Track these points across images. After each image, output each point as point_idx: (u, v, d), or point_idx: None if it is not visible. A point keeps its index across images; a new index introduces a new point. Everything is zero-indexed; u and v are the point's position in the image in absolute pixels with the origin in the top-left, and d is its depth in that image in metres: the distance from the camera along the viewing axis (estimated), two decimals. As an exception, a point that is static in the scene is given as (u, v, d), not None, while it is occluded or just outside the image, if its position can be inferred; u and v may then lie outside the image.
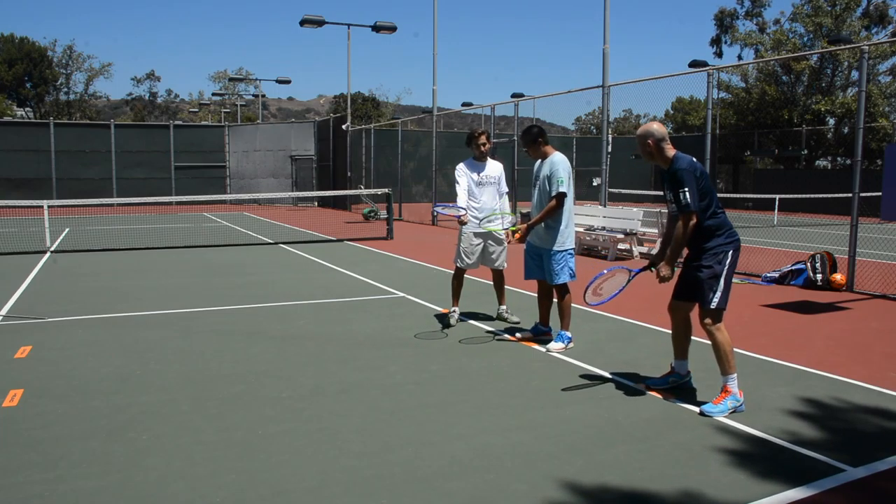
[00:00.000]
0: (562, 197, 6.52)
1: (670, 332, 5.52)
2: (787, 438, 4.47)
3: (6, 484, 3.81)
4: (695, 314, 5.26)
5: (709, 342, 6.39)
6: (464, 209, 7.44)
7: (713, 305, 5.02)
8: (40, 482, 3.83)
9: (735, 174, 41.53)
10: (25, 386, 5.50)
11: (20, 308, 8.61)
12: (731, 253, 5.06)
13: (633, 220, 14.09)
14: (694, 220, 4.95)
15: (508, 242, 7.72)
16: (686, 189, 4.91)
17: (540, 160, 6.81)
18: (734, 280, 11.14)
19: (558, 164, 6.59)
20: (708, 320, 5.06)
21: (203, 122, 61.27)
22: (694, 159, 5.11)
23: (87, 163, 34.45)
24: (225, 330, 7.54)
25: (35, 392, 5.37)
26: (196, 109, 77.05)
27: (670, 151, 5.17)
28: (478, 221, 7.58)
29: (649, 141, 5.17)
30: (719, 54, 43.94)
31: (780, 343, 6.99)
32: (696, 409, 4.99)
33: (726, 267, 5.04)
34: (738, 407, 4.97)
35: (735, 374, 5.03)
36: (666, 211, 5.54)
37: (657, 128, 5.20)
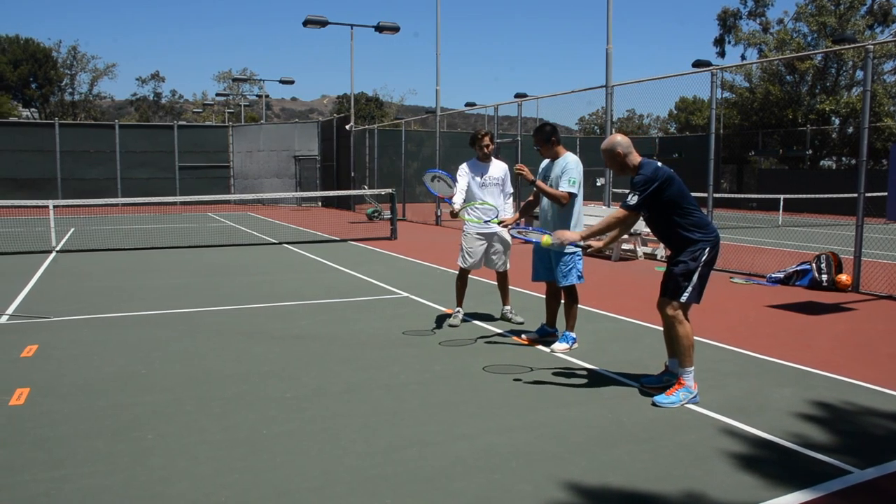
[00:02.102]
0: (573, 197, 6.47)
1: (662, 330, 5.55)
2: (793, 440, 4.46)
3: (13, 482, 3.82)
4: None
5: (705, 340, 6.40)
6: (456, 207, 7.36)
7: (682, 299, 5.13)
8: (46, 481, 3.84)
9: (739, 174, 41.47)
10: (32, 385, 5.51)
11: (26, 307, 8.64)
12: (707, 250, 5.15)
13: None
14: (625, 217, 5.15)
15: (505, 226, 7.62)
16: (637, 193, 5.07)
17: (549, 160, 6.75)
18: (738, 280, 11.14)
19: (572, 164, 6.51)
20: (671, 311, 5.16)
21: (207, 123, 61.44)
22: (660, 165, 5.17)
23: (91, 163, 34.49)
24: (229, 330, 7.55)
25: (41, 391, 5.38)
26: (200, 110, 77.17)
27: (636, 159, 5.28)
28: (482, 222, 7.55)
29: (615, 153, 5.28)
30: (722, 54, 43.88)
31: (784, 344, 6.97)
32: (701, 411, 4.99)
33: (701, 264, 5.13)
34: (693, 398, 5.10)
35: (692, 368, 5.16)
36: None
37: (621, 139, 5.31)
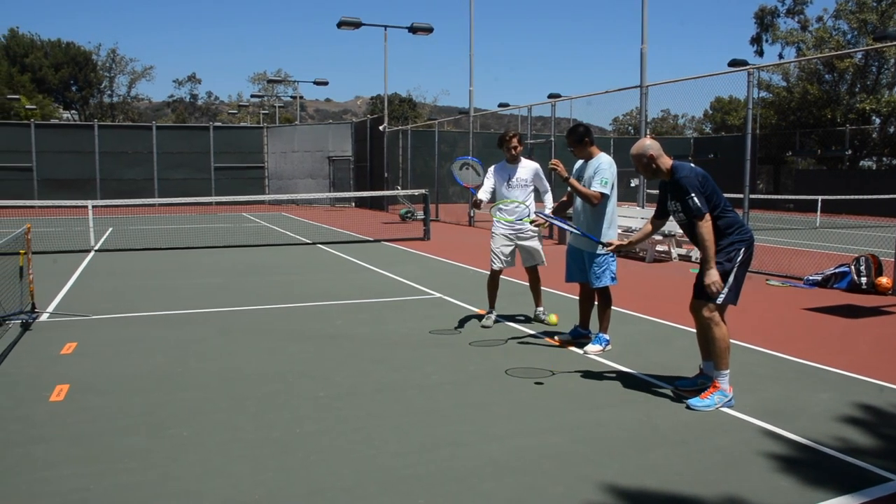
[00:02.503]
0: (605, 198, 6.43)
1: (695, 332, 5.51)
2: (832, 445, 4.38)
3: (53, 476, 3.90)
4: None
5: (740, 343, 6.31)
6: (481, 199, 7.44)
7: (719, 301, 5.06)
8: (85, 475, 3.91)
9: (776, 175, 40.90)
10: (71, 381, 5.61)
11: (66, 306, 8.80)
12: (742, 250, 5.08)
13: (672, 220, 13.91)
14: (709, 222, 5.00)
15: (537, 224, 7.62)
16: (693, 194, 4.97)
17: (583, 161, 6.70)
18: (775, 283, 10.97)
19: (605, 164, 6.45)
20: (708, 313, 5.09)
21: (242, 124, 62.10)
22: (693, 164, 5.11)
23: (129, 163, 35.12)
24: (262, 329, 7.62)
25: (80, 388, 5.48)
26: (235, 111, 77.98)
27: (667, 162, 5.22)
28: (508, 231, 7.56)
29: (647, 158, 5.20)
30: (760, 53, 43.33)
31: (822, 347, 6.86)
32: (737, 414, 4.92)
33: (736, 265, 5.06)
34: (728, 402, 5.04)
35: (727, 372, 5.09)
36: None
37: (650, 143, 5.25)
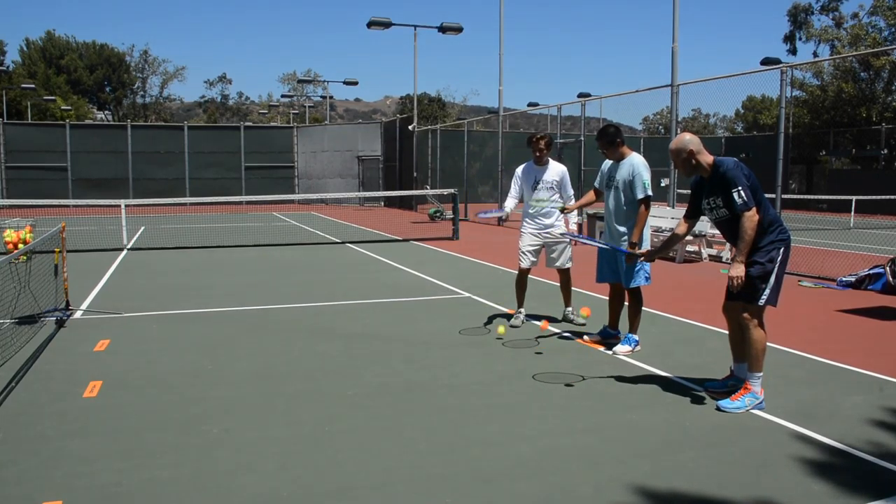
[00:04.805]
0: (649, 200, 6.41)
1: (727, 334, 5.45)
2: (866, 449, 4.31)
3: (87, 471, 3.96)
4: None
5: (772, 344, 6.24)
6: (503, 213, 7.51)
7: (761, 302, 4.99)
8: (118, 471, 3.96)
9: (809, 175, 40.32)
10: (104, 378, 5.70)
11: (99, 303, 8.93)
12: (782, 250, 5.00)
13: (703, 221, 13.78)
14: (757, 217, 4.88)
15: (573, 244, 7.63)
16: (739, 188, 4.88)
17: (613, 161, 6.66)
18: (807, 283, 10.82)
19: (641, 167, 6.43)
20: (747, 315, 5.02)
21: (272, 124, 62.60)
22: (736, 160, 5.03)
23: (161, 163, 35.59)
24: (293, 327, 7.68)
25: (113, 384, 5.56)
26: (266, 111, 78.64)
27: (708, 158, 5.14)
28: (536, 230, 7.55)
29: (687, 153, 5.11)
30: (793, 51, 42.75)
31: (856, 350, 6.75)
32: (768, 416, 4.87)
33: (777, 265, 4.98)
34: (759, 405, 4.99)
35: (761, 374, 5.04)
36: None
37: (690, 138, 5.16)
